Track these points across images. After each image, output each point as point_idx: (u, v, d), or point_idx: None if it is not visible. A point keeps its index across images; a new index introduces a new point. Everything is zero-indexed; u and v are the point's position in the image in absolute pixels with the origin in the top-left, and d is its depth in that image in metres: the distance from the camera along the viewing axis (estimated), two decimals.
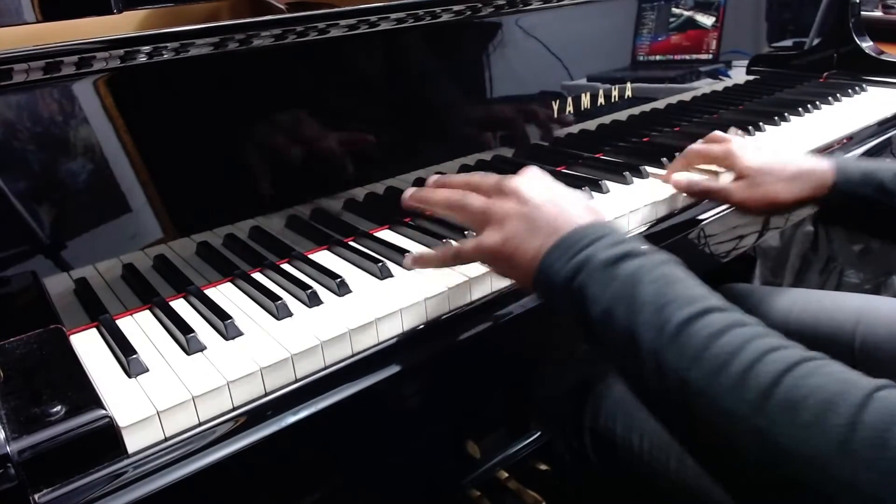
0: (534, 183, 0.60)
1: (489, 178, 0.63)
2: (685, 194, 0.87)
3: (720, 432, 0.42)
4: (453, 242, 0.73)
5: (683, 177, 0.86)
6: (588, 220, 0.56)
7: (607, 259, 0.51)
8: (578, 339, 0.53)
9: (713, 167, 0.87)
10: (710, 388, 0.42)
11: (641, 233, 0.83)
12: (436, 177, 0.70)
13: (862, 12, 1.46)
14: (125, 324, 0.65)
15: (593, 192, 0.89)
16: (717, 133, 0.88)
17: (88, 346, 0.61)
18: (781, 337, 0.44)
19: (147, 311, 0.67)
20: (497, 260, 0.58)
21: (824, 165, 0.77)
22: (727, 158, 0.83)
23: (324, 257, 0.77)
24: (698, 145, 0.88)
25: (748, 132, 1.12)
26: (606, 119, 1.05)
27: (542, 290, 0.55)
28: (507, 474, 1.03)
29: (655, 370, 0.45)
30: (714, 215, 0.89)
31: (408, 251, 0.73)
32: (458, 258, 0.63)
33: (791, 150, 0.83)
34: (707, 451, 0.45)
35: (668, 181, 0.88)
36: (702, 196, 0.86)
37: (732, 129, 0.87)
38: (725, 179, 0.83)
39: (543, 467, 1.07)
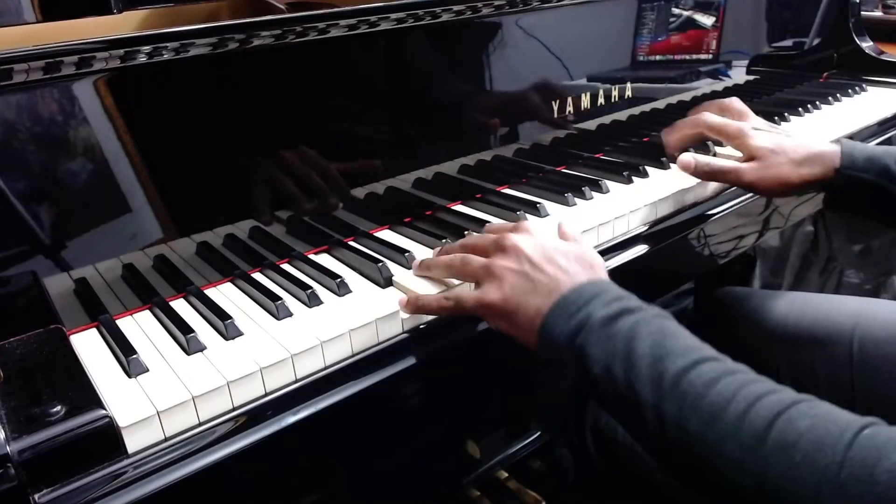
0: (531, 240, 0.61)
1: (487, 237, 0.64)
2: (696, 178, 0.86)
3: (721, 476, 0.44)
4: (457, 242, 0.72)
5: (690, 158, 0.84)
6: (585, 277, 0.58)
7: (605, 317, 0.53)
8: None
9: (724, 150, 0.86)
10: (708, 436, 0.45)
11: (642, 233, 0.83)
12: (439, 249, 0.71)
13: (862, 12, 1.45)
14: (125, 324, 0.65)
15: (593, 192, 0.89)
16: (736, 101, 0.87)
17: (88, 346, 0.61)
18: (770, 381, 0.47)
19: (147, 311, 0.67)
20: (497, 316, 0.59)
21: (832, 148, 0.78)
22: (739, 137, 0.82)
23: (324, 257, 0.77)
24: (713, 117, 0.86)
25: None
26: (606, 119, 1.05)
27: (546, 350, 0.56)
28: (507, 474, 1.03)
29: (656, 421, 0.48)
30: (714, 215, 0.88)
31: (408, 251, 0.73)
32: (458, 308, 0.62)
33: (801, 132, 0.83)
34: (708, 490, 0.47)
35: (672, 153, 0.87)
36: (710, 178, 0.85)
37: (761, 119, 0.86)
38: (734, 160, 0.82)
39: (543, 467, 1.07)
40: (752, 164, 0.80)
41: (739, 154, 0.84)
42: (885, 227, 1.00)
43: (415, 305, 0.64)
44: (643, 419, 0.49)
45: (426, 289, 0.67)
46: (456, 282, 0.68)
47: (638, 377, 0.49)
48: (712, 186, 0.91)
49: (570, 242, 0.63)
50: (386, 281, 0.69)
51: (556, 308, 0.55)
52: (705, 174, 0.84)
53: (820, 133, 1.12)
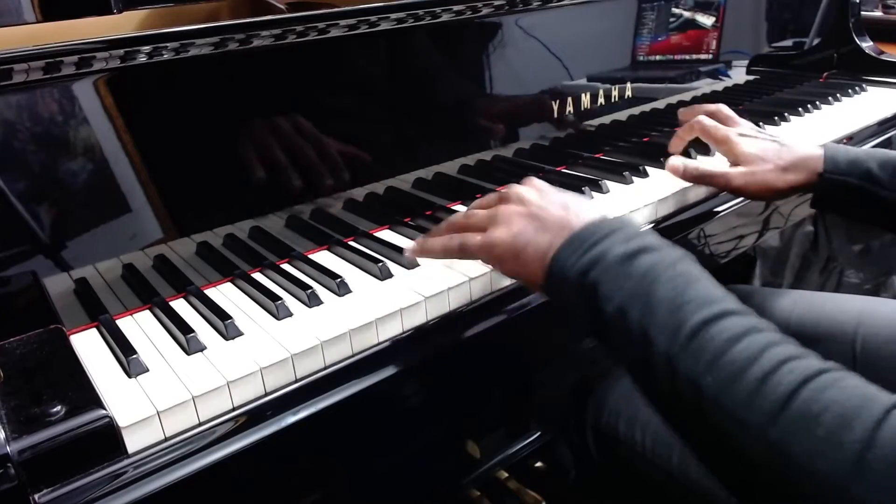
0: (536, 189, 0.60)
1: (489, 196, 0.63)
2: (685, 181, 0.87)
3: (732, 441, 0.41)
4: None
5: (679, 162, 0.86)
6: (597, 216, 0.55)
7: (622, 254, 0.49)
8: (581, 336, 0.52)
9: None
10: (724, 396, 0.41)
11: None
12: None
13: (862, 12, 1.45)
14: (125, 324, 0.65)
15: (593, 192, 0.89)
16: (724, 108, 0.88)
17: (88, 346, 0.61)
18: (798, 344, 0.43)
19: (147, 311, 0.67)
20: (504, 258, 0.57)
21: (816, 152, 0.79)
22: (726, 143, 0.84)
23: (324, 257, 0.77)
24: (706, 119, 0.87)
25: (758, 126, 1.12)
26: (606, 119, 1.05)
27: (553, 287, 0.53)
28: (507, 474, 1.03)
29: (668, 372, 0.44)
30: (715, 215, 0.89)
31: None
32: (463, 251, 0.60)
33: (789, 138, 0.83)
34: (717, 458, 0.44)
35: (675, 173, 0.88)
36: (699, 181, 0.86)
37: (750, 124, 0.88)
38: (723, 165, 0.83)
39: (543, 467, 1.07)
40: (739, 170, 0.81)
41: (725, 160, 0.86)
42: (871, 228, 1.00)
43: (420, 248, 0.63)
44: (654, 371, 0.45)
45: (427, 286, 0.67)
46: (457, 272, 0.67)
47: (654, 324, 0.45)
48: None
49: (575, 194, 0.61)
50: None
51: (570, 243, 0.52)
52: (694, 178, 0.85)
53: (820, 133, 1.12)
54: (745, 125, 0.86)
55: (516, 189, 0.60)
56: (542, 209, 0.57)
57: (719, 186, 0.84)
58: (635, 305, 0.47)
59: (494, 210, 0.60)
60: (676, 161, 0.86)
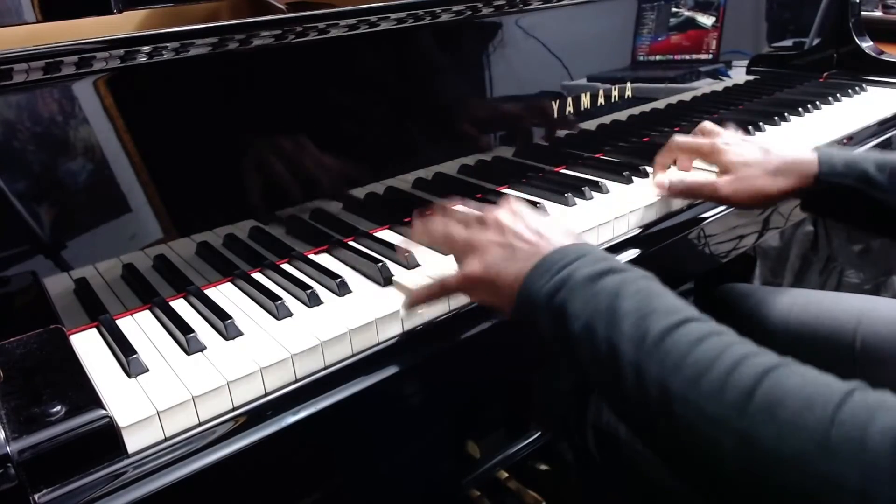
0: (512, 214, 0.61)
1: (469, 213, 0.64)
2: (674, 197, 0.87)
3: (703, 438, 0.42)
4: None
5: (664, 178, 0.86)
6: (568, 241, 0.57)
7: (589, 275, 0.51)
8: (556, 355, 0.54)
9: (702, 166, 0.87)
10: (691, 394, 0.43)
11: (642, 233, 0.83)
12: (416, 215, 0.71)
13: (862, 12, 1.45)
14: (125, 324, 0.65)
15: (593, 192, 0.89)
16: (707, 124, 0.88)
17: (88, 346, 0.61)
18: (754, 344, 0.46)
19: (147, 311, 0.67)
20: (478, 288, 0.59)
21: (809, 156, 0.77)
22: (713, 153, 0.83)
23: (324, 257, 0.77)
24: (684, 137, 0.87)
25: (748, 132, 1.12)
26: (606, 119, 1.05)
27: (521, 310, 0.55)
28: (507, 474, 1.03)
29: (635, 379, 0.46)
30: (714, 215, 0.88)
31: (408, 251, 0.73)
32: (444, 290, 0.62)
33: (777, 142, 0.83)
34: (689, 460, 0.45)
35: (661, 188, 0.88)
36: (687, 195, 0.86)
37: (730, 125, 0.87)
38: (709, 175, 0.83)
39: (543, 467, 1.07)
40: (726, 178, 0.80)
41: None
42: (866, 232, 1.00)
43: (409, 300, 0.64)
44: (622, 380, 0.47)
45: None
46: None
47: (620, 335, 0.47)
48: None
49: (551, 217, 0.63)
50: (386, 281, 0.69)
51: (537, 268, 0.54)
52: (681, 192, 0.85)
53: (820, 133, 1.12)
54: (729, 134, 0.85)
55: (494, 215, 0.61)
56: (517, 236, 0.58)
57: (707, 197, 0.83)
58: (601, 320, 0.49)
59: (470, 234, 0.61)
60: (661, 178, 0.86)
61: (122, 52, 0.63)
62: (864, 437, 0.37)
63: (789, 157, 0.78)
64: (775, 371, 0.42)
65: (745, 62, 1.29)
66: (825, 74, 1.46)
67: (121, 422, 0.50)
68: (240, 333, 0.61)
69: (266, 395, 0.56)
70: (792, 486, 0.39)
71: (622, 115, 1.07)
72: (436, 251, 0.72)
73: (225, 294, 0.70)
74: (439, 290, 0.62)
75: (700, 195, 0.84)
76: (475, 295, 0.60)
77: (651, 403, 0.45)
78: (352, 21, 0.76)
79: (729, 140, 0.83)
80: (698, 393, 0.43)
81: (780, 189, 0.78)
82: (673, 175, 0.87)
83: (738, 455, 0.41)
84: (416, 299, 0.64)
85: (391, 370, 0.60)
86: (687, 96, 1.18)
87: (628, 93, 1.06)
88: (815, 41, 1.42)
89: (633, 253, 0.80)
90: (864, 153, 0.78)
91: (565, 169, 0.99)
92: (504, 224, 0.59)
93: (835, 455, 0.37)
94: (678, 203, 0.88)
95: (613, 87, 1.04)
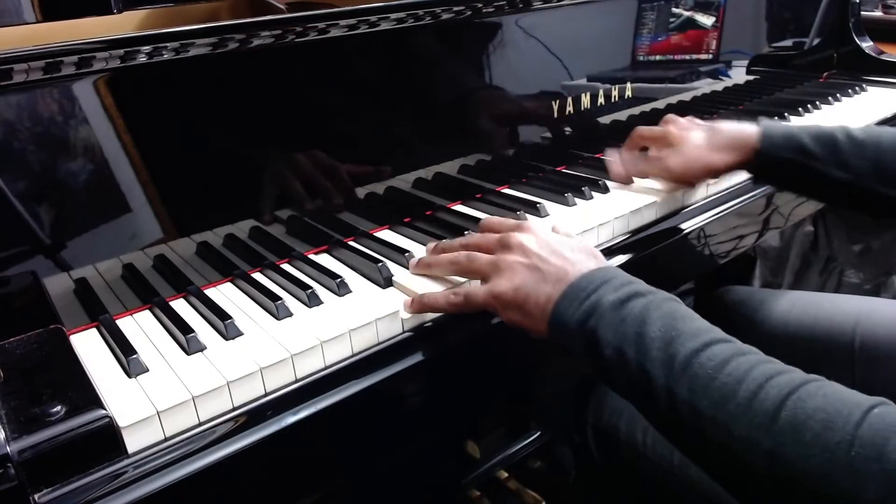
0: (535, 237, 0.62)
1: (489, 237, 0.66)
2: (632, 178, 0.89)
3: (734, 456, 0.45)
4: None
5: (617, 166, 0.90)
6: (592, 265, 0.59)
7: (615, 301, 0.54)
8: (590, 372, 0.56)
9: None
10: (720, 416, 0.46)
11: (641, 233, 0.83)
12: (433, 243, 0.72)
13: (862, 12, 1.45)
14: (125, 324, 0.65)
15: (593, 192, 0.89)
16: (669, 115, 0.90)
17: (88, 346, 0.61)
18: (779, 363, 0.48)
19: (147, 311, 0.67)
20: (508, 307, 0.60)
21: (750, 131, 0.80)
22: (666, 137, 0.85)
23: (324, 257, 0.77)
24: (641, 128, 0.90)
25: None
26: (606, 119, 1.05)
27: (556, 336, 0.57)
28: (507, 474, 1.03)
29: (668, 402, 0.48)
30: (714, 215, 0.89)
31: (408, 251, 0.73)
32: (470, 305, 0.63)
33: (725, 122, 0.85)
34: (720, 469, 0.48)
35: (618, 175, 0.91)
36: (641, 174, 0.89)
37: (689, 118, 0.90)
38: (661, 155, 0.86)
39: (543, 467, 1.07)
40: (677, 158, 0.83)
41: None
42: (819, 202, 1.02)
43: (420, 304, 0.64)
44: (656, 401, 0.49)
45: (427, 288, 0.67)
46: (458, 279, 0.68)
47: (649, 360, 0.50)
48: (712, 187, 0.91)
49: (571, 237, 0.65)
50: (386, 281, 0.69)
51: (567, 294, 0.56)
52: (636, 172, 0.88)
53: None
54: (683, 120, 0.88)
55: (518, 238, 0.62)
56: (543, 260, 0.60)
57: (659, 172, 0.86)
58: (630, 346, 0.51)
59: (496, 259, 0.62)
60: (616, 168, 0.90)
61: (122, 52, 0.63)
62: (882, 453, 0.39)
63: (733, 132, 0.81)
64: (798, 392, 0.44)
65: (745, 62, 1.29)
66: (825, 74, 1.46)
67: (121, 422, 0.50)
68: (240, 333, 0.61)
69: (266, 395, 0.56)
70: (819, 498, 0.41)
71: (622, 115, 1.07)
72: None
73: (225, 294, 0.70)
74: (464, 304, 0.63)
75: (652, 171, 0.87)
76: (505, 315, 0.61)
77: (684, 423, 0.48)
78: (352, 21, 0.76)
79: (682, 125, 0.86)
80: (727, 415, 0.45)
81: (725, 163, 0.81)
82: (625, 157, 0.90)
83: (767, 471, 0.43)
84: (433, 306, 0.64)
85: (391, 370, 0.60)
86: (687, 96, 1.18)
87: (628, 93, 1.06)
88: (815, 41, 1.42)
89: (633, 253, 0.80)
90: (803, 126, 0.80)
91: (565, 169, 0.99)
92: (528, 247, 0.61)
93: (855, 472, 0.40)
94: (678, 203, 0.88)
95: (613, 87, 1.04)
